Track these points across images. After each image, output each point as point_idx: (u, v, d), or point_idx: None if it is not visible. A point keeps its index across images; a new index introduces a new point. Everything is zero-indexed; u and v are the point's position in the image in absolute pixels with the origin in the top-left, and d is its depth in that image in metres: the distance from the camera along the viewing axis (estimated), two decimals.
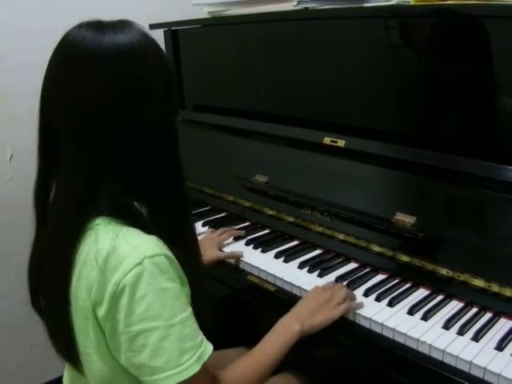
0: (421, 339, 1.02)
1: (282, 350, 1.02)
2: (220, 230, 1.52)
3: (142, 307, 0.80)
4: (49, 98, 0.88)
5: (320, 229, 1.42)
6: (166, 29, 1.97)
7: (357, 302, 1.15)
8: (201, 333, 0.88)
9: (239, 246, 1.46)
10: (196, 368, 0.84)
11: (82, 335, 0.87)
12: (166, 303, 0.82)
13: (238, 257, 1.40)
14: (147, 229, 0.87)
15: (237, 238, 1.50)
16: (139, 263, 0.80)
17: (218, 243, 1.45)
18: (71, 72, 0.85)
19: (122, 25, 0.87)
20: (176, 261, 0.87)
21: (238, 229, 1.56)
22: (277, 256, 1.37)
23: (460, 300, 1.14)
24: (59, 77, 0.86)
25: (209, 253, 1.37)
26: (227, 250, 1.45)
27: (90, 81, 0.83)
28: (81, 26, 0.86)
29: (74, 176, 0.86)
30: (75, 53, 0.84)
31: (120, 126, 0.85)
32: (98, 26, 0.86)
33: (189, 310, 0.86)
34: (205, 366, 0.85)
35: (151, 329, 0.81)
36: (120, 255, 0.81)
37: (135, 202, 0.92)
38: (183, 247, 0.91)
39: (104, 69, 0.83)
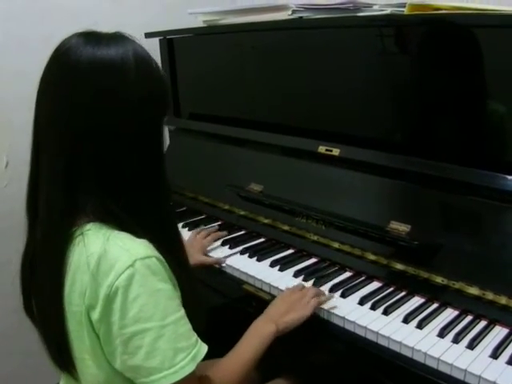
0: (416, 347, 1.02)
1: (260, 351, 1.04)
2: (203, 233, 1.53)
3: (136, 309, 0.81)
4: (37, 105, 0.90)
5: (315, 237, 1.42)
6: (161, 37, 1.97)
7: (326, 296, 1.19)
8: (195, 333, 0.88)
9: (235, 254, 1.46)
10: (191, 368, 0.85)
11: (77, 340, 0.87)
12: (159, 304, 0.83)
13: (221, 263, 1.43)
14: (137, 233, 0.88)
15: (232, 246, 1.49)
16: (131, 265, 0.81)
17: (203, 247, 1.46)
18: (53, 80, 0.87)
19: (110, 38, 0.88)
20: (167, 264, 0.88)
21: (234, 237, 1.56)
22: (272, 265, 1.37)
23: (455, 308, 1.14)
24: (45, 84, 0.89)
25: (193, 257, 1.36)
26: (219, 255, 1.45)
27: (67, 90, 0.85)
28: (73, 35, 0.88)
29: (50, 180, 0.88)
30: (59, 62, 0.87)
31: (94, 135, 0.85)
32: (85, 38, 0.87)
33: (182, 311, 0.87)
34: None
35: (145, 330, 0.82)
36: (112, 258, 0.82)
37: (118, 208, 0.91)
38: (170, 252, 0.92)
39: (80, 80, 0.85)
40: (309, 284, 1.27)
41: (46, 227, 0.89)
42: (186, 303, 0.90)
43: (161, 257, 0.87)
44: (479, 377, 0.94)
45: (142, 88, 0.88)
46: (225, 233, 1.57)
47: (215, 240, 1.53)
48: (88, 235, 0.86)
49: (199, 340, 0.89)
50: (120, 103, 0.86)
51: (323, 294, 1.20)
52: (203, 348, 0.88)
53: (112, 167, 0.88)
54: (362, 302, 1.18)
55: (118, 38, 0.89)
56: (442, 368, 0.98)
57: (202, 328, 0.92)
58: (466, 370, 0.95)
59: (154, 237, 0.89)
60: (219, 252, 1.48)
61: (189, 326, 0.87)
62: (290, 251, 1.46)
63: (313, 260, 1.41)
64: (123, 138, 0.87)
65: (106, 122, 0.85)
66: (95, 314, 0.82)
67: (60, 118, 0.86)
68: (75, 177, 0.86)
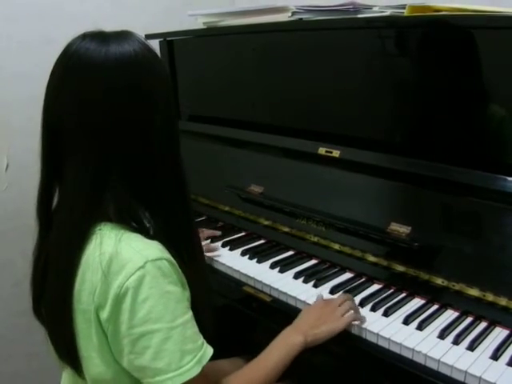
0: (416, 349, 1.02)
1: (285, 362, 1.02)
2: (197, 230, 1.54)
3: (145, 310, 0.82)
4: (53, 110, 0.88)
5: (315, 239, 1.42)
6: (161, 39, 1.98)
7: (361, 314, 1.13)
8: (201, 336, 0.89)
9: (234, 257, 1.45)
10: (197, 370, 0.85)
11: (85, 339, 0.87)
12: (168, 306, 0.83)
13: (212, 250, 1.45)
14: (150, 235, 0.89)
15: (232, 248, 1.49)
16: (142, 267, 0.82)
17: None
18: (78, 83, 0.85)
19: (125, 35, 0.88)
20: (177, 266, 0.88)
21: (234, 239, 1.56)
22: (272, 266, 1.37)
23: (455, 309, 1.15)
24: (65, 88, 0.86)
25: None
26: (220, 258, 1.45)
27: (97, 92, 0.84)
28: (84, 36, 0.87)
29: (80, 187, 0.87)
30: (80, 64, 0.85)
31: (126, 137, 0.86)
32: (101, 37, 0.87)
33: (190, 313, 0.87)
34: (204, 370, 0.86)
35: (153, 331, 0.82)
36: (123, 259, 0.82)
37: (140, 209, 0.92)
38: (188, 252, 0.93)
39: (110, 79, 0.84)
40: (310, 286, 1.27)
41: (67, 229, 0.89)
42: (195, 304, 0.90)
43: (172, 259, 0.87)
44: (479, 378, 0.94)
45: (164, 83, 0.90)
46: (218, 232, 1.58)
47: (208, 238, 1.54)
48: (102, 234, 0.86)
49: (205, 343, 0.89)
50: (152, 98, 0.87)
51: (358, 309, 1.14)
52: (209, 350, 0.89)
53: (138, 171, 0.89)
54: (362, 303, 1.18)
55: (129, 35, 0.89)
56: (443, 369, 0.98)
57: (209, 329, 0.92)
58: (466, 372, 0.95)
59: (171, 237, 0.90)
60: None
61: (196, 328, 0.88)
62: (291, 253, 1.46)
63: (313, 261, 1.41)
64: (152, 137, 0.88)
65: (137, 120, 0.86)
66: (104, 314, 0.83)
67: (94, 125, 0.85)
68: (103, 183, 0.86)
